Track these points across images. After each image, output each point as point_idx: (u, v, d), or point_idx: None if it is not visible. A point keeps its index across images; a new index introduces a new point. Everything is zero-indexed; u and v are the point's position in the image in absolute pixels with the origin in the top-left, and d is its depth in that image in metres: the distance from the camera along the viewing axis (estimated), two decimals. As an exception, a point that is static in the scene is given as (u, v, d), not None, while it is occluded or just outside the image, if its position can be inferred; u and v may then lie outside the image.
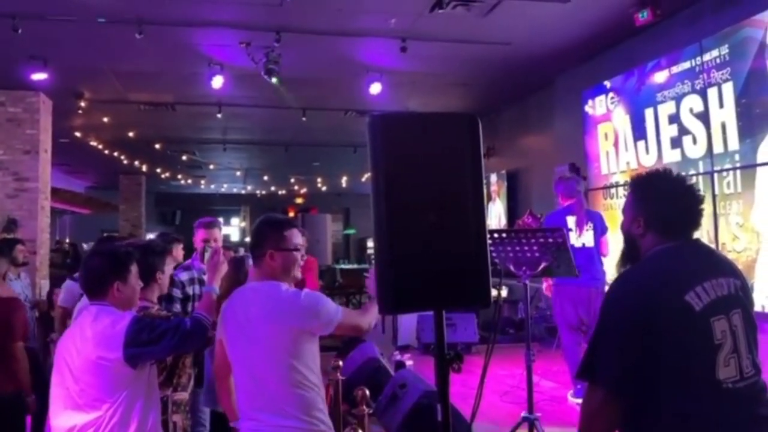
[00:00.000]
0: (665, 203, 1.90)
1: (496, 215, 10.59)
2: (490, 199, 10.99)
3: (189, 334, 2.30)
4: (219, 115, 9.75)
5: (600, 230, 5.50)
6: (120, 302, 2.32)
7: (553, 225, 5.06)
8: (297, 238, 2.42)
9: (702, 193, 1.96)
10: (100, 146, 12.51)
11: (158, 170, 16.31)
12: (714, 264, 1.90)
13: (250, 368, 2.28)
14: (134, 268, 2.39)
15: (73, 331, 2.31)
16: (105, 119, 10.35)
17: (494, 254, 3.85)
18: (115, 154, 13.46)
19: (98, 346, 2.19)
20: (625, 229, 2.00)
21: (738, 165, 5.23)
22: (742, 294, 1.86)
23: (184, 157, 14.33)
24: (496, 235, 3.87)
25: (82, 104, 9.03)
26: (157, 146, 12.83)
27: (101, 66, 7.86)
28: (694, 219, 1.91)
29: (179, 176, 17.74)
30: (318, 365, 2.31)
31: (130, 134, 11.63)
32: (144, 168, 15.79)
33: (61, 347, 2.29)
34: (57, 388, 2.24)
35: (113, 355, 2.17)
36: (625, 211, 2.00)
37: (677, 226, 1.89)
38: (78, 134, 11.34)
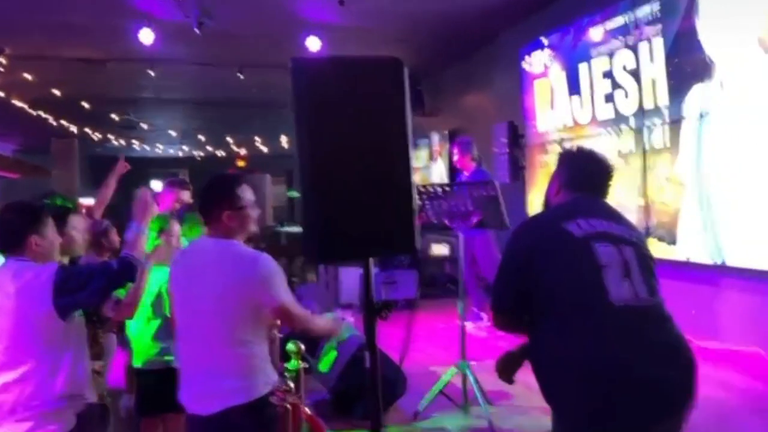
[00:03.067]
0: (573, 169, 2.23)
1: (438, 175, 10.64)
2: (432, 158, 11.02)
3: (117, 274, 2.29)
4: (151, 72, 9.37)
5: None
6: (38, 256, 2.25)
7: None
8: (249, 193, 2.41)
9: (609, 162, 2.25)
10: (25, 106, 11.90)
11: (88, 130, 15.66)
12: (606, 212, 2.12)
13: (197, 326, 2.26)
14: (50, 222, 2.32)
15: None
16: (29, 76, 9.81)
17: (429, 208, 3.87)
18: (42, 114, 12.82)
19: (24, 301, 2.12)
20: (546, 194, 2.30)
21: (667, 120, 5.37)
22: (637, 240, 2.05)
23: (115, 117, 13.78)
24: (430, 189, 3.88)
25: (3, 60, 8.53)
26: (87, 105, 12.28)
27: (23, 18, 7.40)
28: (594, 181, 2.19)
29: (111, 137, 17.10)
30: (265, 325, 2.34)
31: (57, 93, 11.08)
32: (73, 129, 15.13)
33: None
34: None
35: (42, 308, 2.12)
36: (549, 180, 2.29)
37: (578, 184, 2.17)
38: (0, 93, 10.74)
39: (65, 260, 2.53)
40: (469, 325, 5.57)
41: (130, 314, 2.64)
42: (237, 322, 2.23)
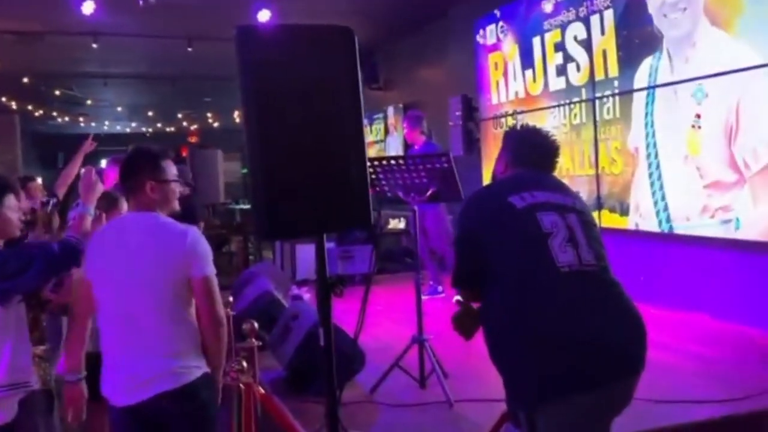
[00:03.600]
0: (518, 145, 2.26)
1: (394, 149, 10.59)
2: (387, 132, 10.97)
3: (58, 258, 2.20)
4: (94, 45, 8.99)
5: None
6: None
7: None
8: (173, 168, 2.33)
9: (554, 138, 2.28)
10: (-40, 81, 11.33)
11: (30, 108, 15.02)
12: (549, 184, 2.15)
13: (125, 307, 2.14)
14: (7, 200, 2.23)
15: None
16: (-38, 50, 9.32)
17: (384, 182, 3.83)
18: (-22, 90, 12.25)
19: None
20: (492, 172, 2.35)
21: (617, 91, 5.44)
22: (580, 208, 2.10)
23: (58, 93, 13.24)
24: (385, 163, 3.83)
25: (-68, 32, 8.06)
26: (26, 80, 11.74)
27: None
28: (539, 156, 2.22)
29: (54, 114, 16.45)
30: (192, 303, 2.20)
31: (-6, 68, 10.56)
32: (14, 105, 14.49)
33: None
34: None
35: None
36: (496, 159, 2.32)
37: (523, 160, 2.21)
38: (-70, 68, 10.18)
39: (0, 243, 2.40)
40: (425, 298, 5.61)
41: (71, 297, 2.52)
42: (168, 299, 2.12)
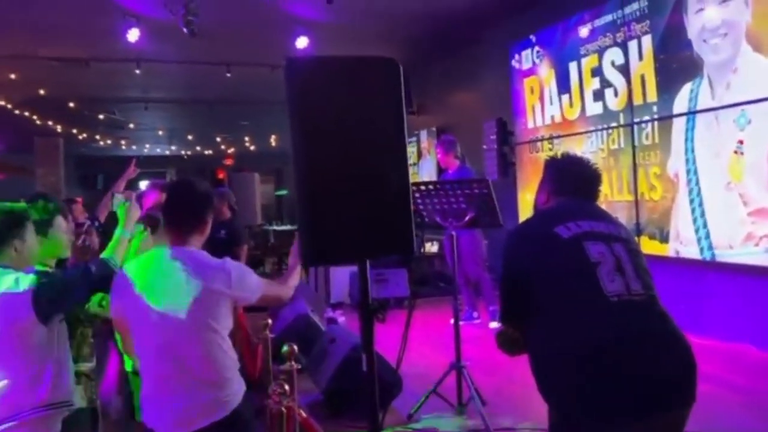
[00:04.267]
0: (559, 174, 2.24)
1: (426, 172, 10.63)
2: (421, 156, 11.02)
3: (96, 278, 2.25)
4: (137, 72, 9.28)
5: None
6: (18, 262, 2.19)
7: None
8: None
9: (596, 166, 2.26)
10: (9, 106, 11.75)
11: (74, 131, 15.50)
12: (594, 213, 2.13)
13: (170, 342, 2.12)
14: (31, 226, 2.27)
15: None
16: (12, 76, 9.69)
17: (421, 207, 3.85)
18: (27, 114, 12.67)
19: (5, 309, 2.06)
20: (534, 201, 2.32)
21: (656, 117, 5.39)
22: (627, 237, 2.08)
23: (101, 117, 13.64)
24: (423, 188, 3.86)
25: (-14, 60, 8.42)
26: (72, 105, 12.14)
27: (7, 17, 7.30)
28: (581, 184, 2.20)
29: (98, 137, 16.94)
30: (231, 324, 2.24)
31: (42, 92, 10.95)
32: (59, 129, 14.97)
33: None
34: None
35: (23, 316, 2.06)
36: (537, 188, 2.30)
37: (566, 189, 2.20)
38: (-16, 93, 10.62)
39: (51, 263, 2.49)
40: (461, 324, 5.58)
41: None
42: (212, 332, 2.14)
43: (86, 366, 2.64)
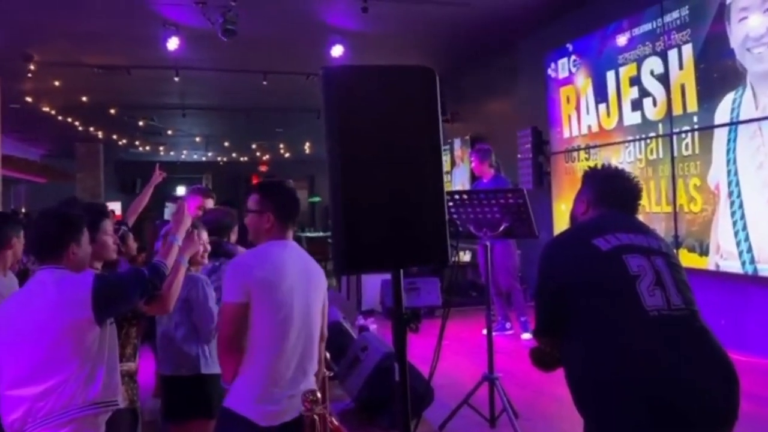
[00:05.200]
0: (599, 186, 2.21)
1: (459, 181, 10.59)
2: (454, 164, 10.98)
3: (149, 281, 2.35)
4: (176, 79, 9.46)
5: None
6: (75, 265, 2.26)
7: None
8: None
9: (636, 179, 2.24)
10: (53, 112, 12.08)
11: (115, 137, 15.87)
12: (633, 226, 2.10)
13: (300, 329, 2.35)
14: (86, 230, 2.35)
15: (20, 298, 2.23)
16: (56, 83, 9.97)
17: (455, 216, 3.83)
18: (69, 120, 13.02)
19: (66, 310, 2.13)
20: (571, 212, 2.29)
21: (696, 127, 5.28)
22: (666, 251, 2.04)
23: (141, 123, 13.94)
24: (457, 197, 3.84)
25: (32, 67, 8.66)
26: (113, 111, 12.43)
27: (51, 26, 7.52)
28: (621, 197, 2.17)
29: (137, 143, 17.31)
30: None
31: (84, 99, 11.23)
32: (100, 135, 15.34)
33: (5, 316, 2.19)
34: (7, 358, 2.15)
35: (82, 317, 2.13)
36: (575, 199, 2.28)
37: (605, 201, 2.17)
38: (29, 99, 10.92)
39: (98, 266, 2.55)
40: (494, 335, 5.55)
41: (165, 309, 2.59)
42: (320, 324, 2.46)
43: (128, 366, 2.68)
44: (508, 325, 6.31)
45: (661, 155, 5.71)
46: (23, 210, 16.23)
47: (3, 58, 8.46)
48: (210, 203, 4.10)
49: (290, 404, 2.30)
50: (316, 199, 23.16)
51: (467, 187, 10.29)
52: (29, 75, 8.85)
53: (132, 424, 2.60)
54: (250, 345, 2.30)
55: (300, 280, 2.37)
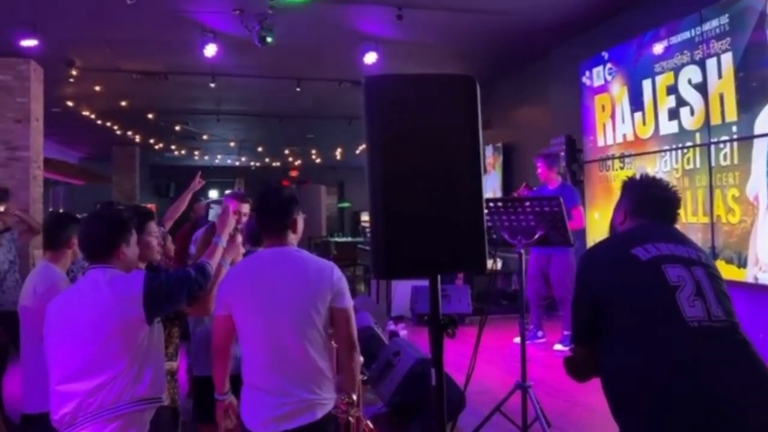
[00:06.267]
0: (638, 196, 2.20)
1: (491, 188, 10.56)
2: (486, 171, 10.95)
3: (195, 281, 2.41)
4: (212, 85, 9.64)
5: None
6: (124, 264, 2.34)
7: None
8: None
9: (675, 189, 2.22)
10: (93, 116, 12.38)
11: (151, 141, 16.19)
12: (673, 236, 2.08)
13: (276, 338, 2.28)
14: (134, 231, 2.42)
15: (73, 296, 2.29)
16: (97, 88, 10.22)
17: (490, 223, 3.83)
18: (108, 124, 13.33)
19: (118, 308, 2.19)
20: (611, 222, 2.28)
21: (735, 137, 5.20)
22: (706, 262, 2.02)
23: (177, 128, 14.21)
24: (492, 204, 3.85)
25: (74, 73, 8.90)
26: (150, 116, 12.70)
27: (92, 33, 7.73)
28: (660, 207, 2.17)
29: (173, 147, 17.63)
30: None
31: (123, 104, 11.51)
32: (137, 139, 15.67)
33: (58, 312, 2.26)
34: (58, 354, 2.22)
35: (134, 315, 2.19)
36: (614, 208, 2.27)
37: (644, 211, 2.16)
38: (70, 104, 11.21)
39: (142, 266, 2.62)
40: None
41: (207, 310, 2.66)
42: (315, 331, 2.27)
43: (171, 365, 2.74)
44: (540, 333, 6.27)
45: (698, 165, 5.63)
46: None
47: (48, 64, 8.72)
48: (246, 208, 4.17)
49: (283, 412, 2.23)
50: (346, 204, 23.30)
51: (498, 194, 10.27)
52: (71, 80, 9.09)
53: (173, 422, 2.66)
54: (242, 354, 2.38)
55: (275, 286, 2.30)
